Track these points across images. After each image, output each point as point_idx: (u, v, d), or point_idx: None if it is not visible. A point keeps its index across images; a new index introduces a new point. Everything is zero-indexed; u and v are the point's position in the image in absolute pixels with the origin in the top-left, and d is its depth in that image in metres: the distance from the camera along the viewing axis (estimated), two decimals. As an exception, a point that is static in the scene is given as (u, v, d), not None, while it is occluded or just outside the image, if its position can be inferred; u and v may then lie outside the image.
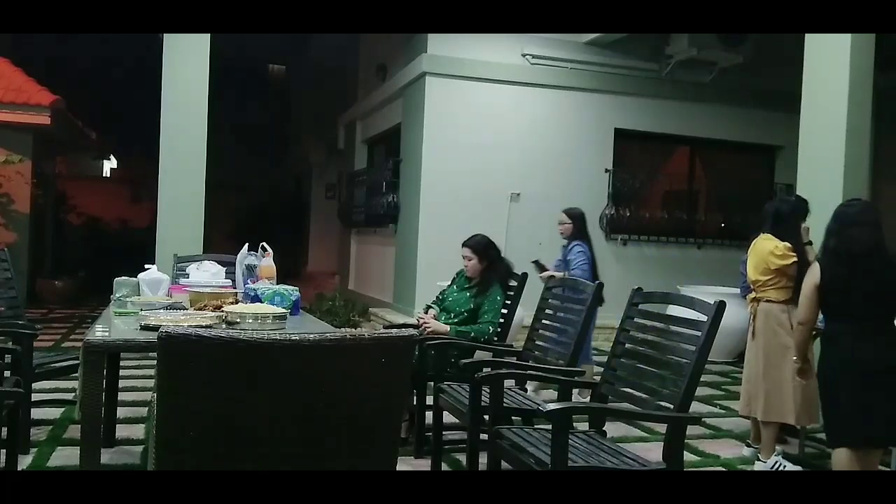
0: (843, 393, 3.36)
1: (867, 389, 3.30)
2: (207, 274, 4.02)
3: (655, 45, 8.81)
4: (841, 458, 3.35)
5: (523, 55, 8.58)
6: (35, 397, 4.20)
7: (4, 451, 3.36)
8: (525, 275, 4.50)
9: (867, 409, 3.29)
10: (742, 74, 8.98)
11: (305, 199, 16.00)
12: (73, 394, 3.71)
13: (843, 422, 3.36)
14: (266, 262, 3.90)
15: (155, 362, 1.68)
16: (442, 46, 8.34)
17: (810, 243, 4.27)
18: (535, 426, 3.34)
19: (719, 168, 9.79)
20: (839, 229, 3.43)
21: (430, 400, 4.09)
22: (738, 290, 7.01)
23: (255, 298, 3.42)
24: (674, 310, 3.72)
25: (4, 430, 3.31)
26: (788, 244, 4.20)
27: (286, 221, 16.59)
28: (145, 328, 2.83)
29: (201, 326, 2.36)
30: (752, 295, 4.43)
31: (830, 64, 5.31)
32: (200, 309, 3.23)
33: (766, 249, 4.26)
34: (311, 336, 1.63)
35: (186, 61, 6.56)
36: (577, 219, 5.84)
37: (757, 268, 4.32)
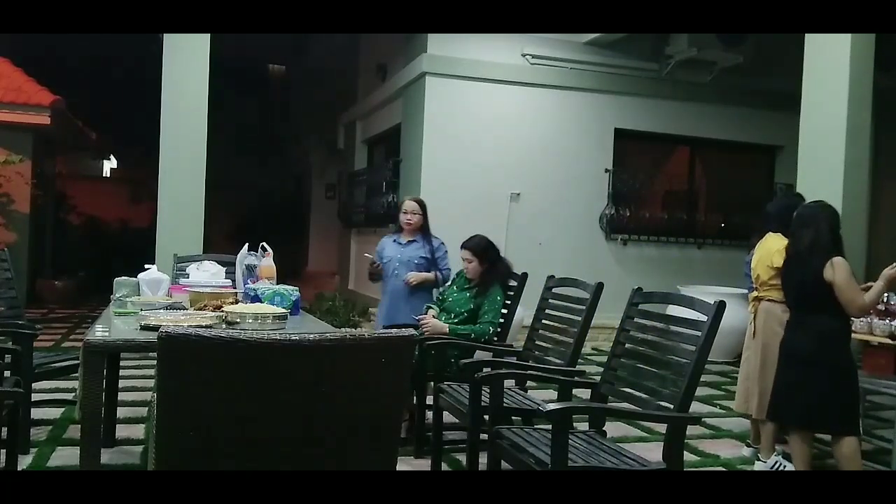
0: (777, 374, 3.95)
1: (789, 374, 3.85)
2: (207, 274, 4.02)
3: (655, 45, 8.81)
4: (791, 438, 3.97)
5: (523, 55, 8.57)
6: (35, 397, 4.20)
7: (4, 451, 3.36)
8: (525, 275, 4.50)
9: (789, 390, 3.86)
10: (742, 74, 8.98)
11: (305, 199, 15.99)
12: (73, 394, 3.71)
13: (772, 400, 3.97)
14: (266, 262, 3.91)
15: (155, 362, 1.68)
16: (442, 46, 8.33)
17: None
18: (535, 426, 3.35)
19: (719, 168, 9.80)
20: (793, 230, 3.91)
21: (430, 400, 4.09)
22: (738, 290, 7.03)
23: (255, 298, 3.42)
24: (674, 310, 3.73)
25: (4, 430, 3.31)
26: None
27: (286, 221, 16.57)
28: (145, 328, 2.83)
29: (201, 326, 2.36)
30: (754, 294, 4.43)
31: (830, 64, 5.31)
32: (200, 309, 3.23)
33: (774, 248, 4.26)
34: (311, 336, 1.63)
35: (186, 61, 6.55)
36: (426, 210, 4.96)
37: (762, 265, 4.32)
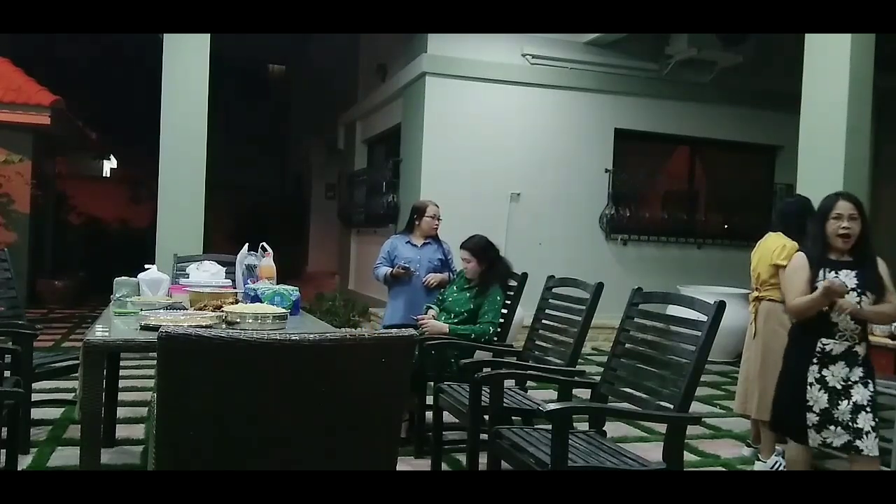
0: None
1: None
2: (207, 274, 4.02)
3: (655, 45, 8.81)
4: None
5: (523, 55, 8.58)
6: (35, 397, 4.20)
7: (4, 451, 3.36)
8: (525, 275, 4.50)
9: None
10: (742, 74, 8.98)
11: (305, 199, 16.00)
12: (73, 394, 3.71)
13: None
14: (266, 262, 3.90)
15: (155, 362, 1.68)
16: (442, 46, 8.34)
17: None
18: (535, 426, 3.35)
19: (719, 168, 9.79)
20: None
21: (430, 400, 4.09)
22: (738, 290, 7.03)
23: (255, 298, 3.42)
24: (674, 310, 3.73)
25: (4, 430, 3.31)
26: (796, 245, 4.19)
27: (286, 221, 16.58)
28: (145, 328, 2.83)
29: (201, 326, 2.36)
30: (755, 294, 4.42)
31: (830, 64, 5.31)
32: (200, 309, 3.23)
33: (772, 248, 4.26)
34: (311, 336, 1.63)
35: (186, 61, 6.56)
36: None
37: (762, 264, 4.32)
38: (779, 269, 4.19)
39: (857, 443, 3.23)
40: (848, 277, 3.30)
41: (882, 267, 3.36)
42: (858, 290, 3.28)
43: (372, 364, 1.71)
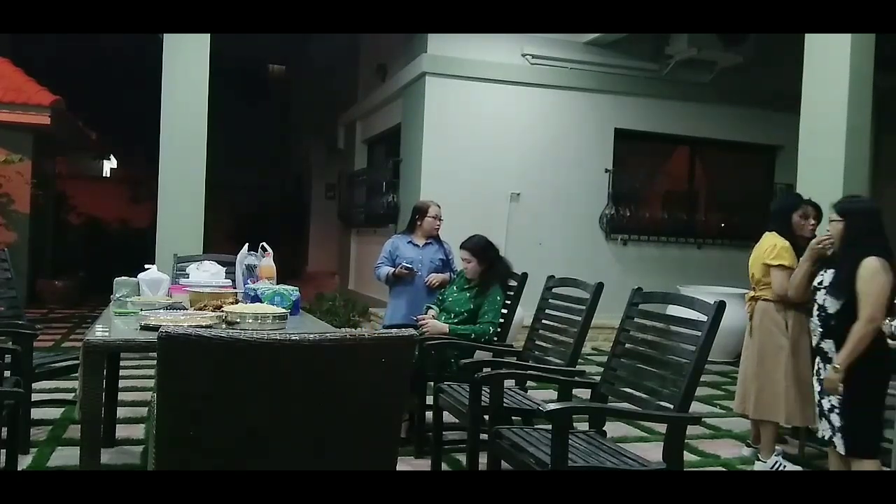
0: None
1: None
2: (207, 274, 4.02)
3: (655, 45, 8.82)
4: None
5: (523, 55, 8.58)
6: (35, 397, 4.20)
7: (4, 451, 3.36)
8: (525, 275, 4.50)
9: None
10: (742, 74, 8.98)
11: (305, 199, 15.99)
12: (73, 394, 3.71)
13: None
14: (266, 262, 3.91)
15: (155, 362, 1.68)
16: (442, 46, 8.34)
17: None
18: (535, 426, 3.35)
19: (719, 168, 9.80)
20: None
21: (430, 400, 4.09)
22: (738, 290, 7.03)
23: (255, 298, 3.42)
24: (674, 310, 3.73)
25: (4, 430, 3.31)
26: (788, 244, 4.20)
27: (286, 221, 16.57)
28: (145, 328, 2.83)
29: (201, 326, 2.36)
30: (751, 293, 4.43)
31: (830, 64, 5.31)
32: (200, 309, 3.23)
33: (765, 247, 4.27)
34: (311, 336, 1.63)
35: (186, 61, 6.56)
36: None
37: (756, 264, 4.33)
38: (770, 269, 4.20)
39: (834, 438, 3.34)
40: (827, 275, 3.41)
41: (866, 270, 3.19)
42: (826, 289, 3.37)
43: (372, 364, 1.71)
